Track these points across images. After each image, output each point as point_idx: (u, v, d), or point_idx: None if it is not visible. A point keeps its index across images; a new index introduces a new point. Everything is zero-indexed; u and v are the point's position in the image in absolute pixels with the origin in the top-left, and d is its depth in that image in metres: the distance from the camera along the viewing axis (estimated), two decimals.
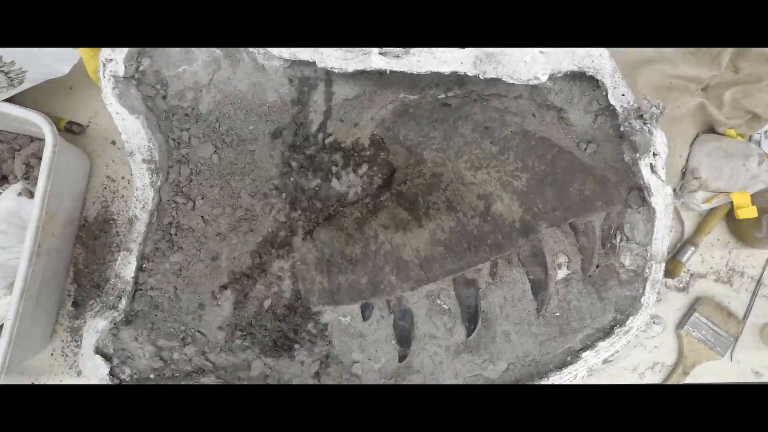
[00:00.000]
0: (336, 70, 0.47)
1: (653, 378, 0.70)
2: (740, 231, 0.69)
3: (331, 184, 0.54)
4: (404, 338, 0.56)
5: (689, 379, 0.69)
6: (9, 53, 0.47)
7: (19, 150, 0.57)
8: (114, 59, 0.47)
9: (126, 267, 0.51)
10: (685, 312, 0.69)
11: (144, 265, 0.52)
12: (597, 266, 0.55)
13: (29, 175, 0.57)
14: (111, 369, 0.51)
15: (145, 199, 0.50)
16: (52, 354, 0.61)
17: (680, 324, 0.69)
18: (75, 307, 0.60)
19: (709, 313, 0.67)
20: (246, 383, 0.54)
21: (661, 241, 0.52)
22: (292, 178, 0.54)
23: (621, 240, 0.54)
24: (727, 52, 0.64)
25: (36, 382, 0.61)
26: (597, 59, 0.46)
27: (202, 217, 0.53)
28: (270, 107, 0.52)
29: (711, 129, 0.67)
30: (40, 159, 0.50)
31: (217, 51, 0.49)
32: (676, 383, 0.68)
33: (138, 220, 0.50)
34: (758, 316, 0.70)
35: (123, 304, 0.51)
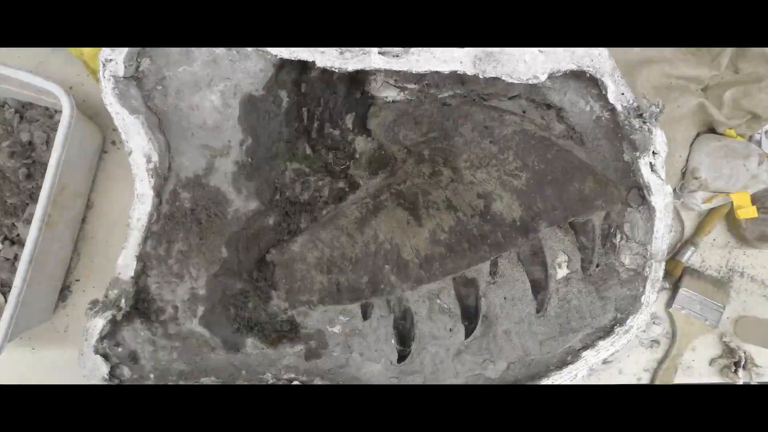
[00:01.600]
0: (335, 70, 0.47)
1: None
2: (740, 231, 0.69)
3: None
4: (404, 338, 0.56)
5: (687, 377, 0.69)
6: None
7: (37, 121, 0.58)
8: (114, 59, 0.47)
9: (126, 267, 0.51)
10: (672, 290, 0.69)
11: (145, 264, 0.52)
12: (597, 265, 0.55)
13: (47, 144, 0.57)
14: (111, 369, 0.51)
15: (145, 200, 0.50)
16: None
17: (668, 303, 0.68)
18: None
19: (694, 287, 0.67)
20: (244, 382, 0.54)
21: (661, 240, 0.52)
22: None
23: (621, 239, 0.54)
24: (727, 52, 0.65)
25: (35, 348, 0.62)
26: (596, 58, 0.46)
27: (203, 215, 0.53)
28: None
29: (711, 129, 0.67)
30: (55, 130, 0.50)
31: (218, 51, 0.49)
32: (669, 367, 0.67)
33: (138, 220, 0.50)
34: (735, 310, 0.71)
35: (123, 303, 0.51)
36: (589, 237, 0.55)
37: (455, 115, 0.53)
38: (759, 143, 0.68)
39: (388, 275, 0.52)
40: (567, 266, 0.56)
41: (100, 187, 0.62)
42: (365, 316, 0.55)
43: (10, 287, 0.57)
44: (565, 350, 0.55)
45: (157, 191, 0.51)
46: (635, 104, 0.48)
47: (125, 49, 0.47)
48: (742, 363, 0.68)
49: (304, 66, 0.49)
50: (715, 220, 0.68)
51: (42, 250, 0.50)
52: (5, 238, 0.57)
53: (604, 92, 0.48)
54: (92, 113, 0.61)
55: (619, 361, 0.67)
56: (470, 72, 0.46)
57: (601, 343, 0.54)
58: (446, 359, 0.56)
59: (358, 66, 0.46)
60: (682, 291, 0.66)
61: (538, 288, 0.56)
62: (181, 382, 0.53)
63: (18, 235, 0.58)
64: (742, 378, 0.68)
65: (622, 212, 0.54)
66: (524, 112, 0.53)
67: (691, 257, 0.68)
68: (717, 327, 0.67)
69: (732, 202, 0.64)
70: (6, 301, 0.57)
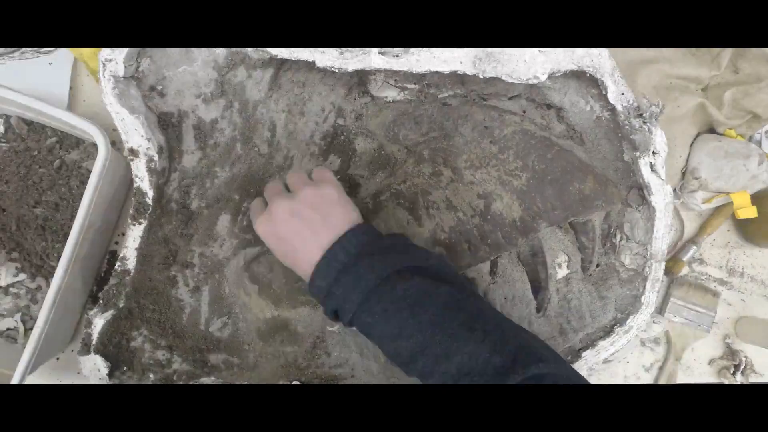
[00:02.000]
0: (335, 70, 0.47)
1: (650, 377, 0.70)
2: (747, 230, 0.69)
3: None
4: None
5: (687, 377, 0.70)
6: None
7: (69, 153, 0.58)
8: (114, 59, 0.47)
9: (126, 265, 0.51)
10: (662, 300, 0.69)
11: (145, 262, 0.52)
12: (597, 265, 0.55)
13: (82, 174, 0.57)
14: (110, 369, 0.51)
15: (144, 200, 0.50)
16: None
17: (660, 312, 0.68)
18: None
19: (684, 294, 0.67)
20: (247, 382, 0.54)
21: (661, 240, 0.52)
22: None
23: (621, 239, 0.54)
24: (727, 52, 0.64)
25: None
26: (596, 58, 0.46)
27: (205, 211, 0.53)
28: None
29: (711, 129, 0.67)
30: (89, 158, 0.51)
31: (217, 50, 0.49)
32: (671, 372, 0.68)
33: (137, 220, 0.50)
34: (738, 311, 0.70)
35: (123, 303, 0.51)
36: (589, 237, 0.55)
37: (455, 115, 0.53)
38: (759, 143, 0.68)
39: None
40: (567, 266, 0.56)
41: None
42: None
43: (30, 316, 0.57)
44: (565, 350, 0.55)
45: (157, 190, 0.51)
46: (635, 104, 0.48)
47: (125, 49, 0.47)
48: (742, 367, 0.68)
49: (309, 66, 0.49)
50: (719, 219, 0.68)
51: (66, 287, 0.50)
52: (31, 265, 0.57)
53: (604, 92, 0.48)
54: (92, 114, 0.61)
55: (618, 361, 0.67)
56: (470, 72, 0.46)
57: (601, 343, 0.54)
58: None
59: (358, 66, 0.46)
60: (673, 300, 0.67)
61: (538, 288, 0.56)
62: (181, 382, 0.53)
63: (43, 266, 0.57)
64: (738, 382, 0.68)
65: (622, 212, 0.54)
66: (524, 112, 0.53)
67: (692, 256, 0.68)
68: (710, 331, 0.67)
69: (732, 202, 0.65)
70: (24, 329, 0.57)
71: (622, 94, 0.48)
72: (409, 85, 0.51)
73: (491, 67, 0.46)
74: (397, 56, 0.46)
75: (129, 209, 0.60)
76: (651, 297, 0.53)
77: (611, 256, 0.55)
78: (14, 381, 0.47)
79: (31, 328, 0.48)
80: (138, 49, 0.48)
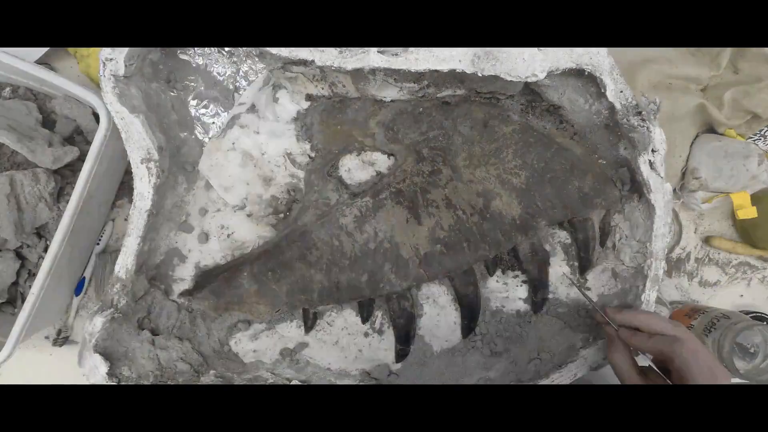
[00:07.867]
0: (334, 69, 0.47)
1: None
2: (747, 230, 0.69)
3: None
4: (404, 337, 0.56)
5: None
6: None
7: (70, 118, 0.58)
8: (114, 59, 0.47)
9: (125, 265, 0.51)
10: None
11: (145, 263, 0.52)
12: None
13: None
14: (110, 368, 0.51)
15: (144, 199, 0.50)
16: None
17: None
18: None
19: None
20: (245, 383, 0.54)
21: (661, 238, 0.52)
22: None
23: (620, 237, 0.54)
24: (727, 52, 0.64)
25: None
26: (595, 57, 0.46)
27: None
28: None
29: (711, 129, 0.67)
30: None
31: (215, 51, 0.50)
32: None
33: (137, 218, 0.50)
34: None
35: (122, 303, 0.51)
36: (589, 235, 0.55)
37: (454, 114, 0.53)
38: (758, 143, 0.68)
39: (388, 274, 0.52)
40: (566, 265, 0.56)
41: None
42: (365, 315, 0.55)
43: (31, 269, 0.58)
44: (564, 349, 0.55)
45: (157, 190, 0.51)
46: (634, 102, 0.48)
47: (126, 49, 0.47)
48: None
49: None
50: None
51: (62, 256, 0.50)
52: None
53: (603, 90, 0.48)
54: None
55: None
56: (469, 70, 0.46)
57: (601, 342, 0.54)
58: (446, 358, 0.56)
59: (357, 65, 0.46)
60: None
61: (537, 286, 0.56)
62: (181, 381, 0.53)
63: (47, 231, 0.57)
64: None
65: (622, 210, 0.54)
66: (523, 110, 0.53)
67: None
68: None
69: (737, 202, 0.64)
70: (22, 299, 0.57)
71: (621, 92, 0.48)
72: (408, 84, 0.51)
73: (490, 65, 0.46)
74: (396, 55, 0.46)
75: (126, 185, 0.61)
76: (651, 295, 0.53)
77: (611, 254, 0.55)
78: (7, 346, 0.49)
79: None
80: (138, 49, 0.48)
